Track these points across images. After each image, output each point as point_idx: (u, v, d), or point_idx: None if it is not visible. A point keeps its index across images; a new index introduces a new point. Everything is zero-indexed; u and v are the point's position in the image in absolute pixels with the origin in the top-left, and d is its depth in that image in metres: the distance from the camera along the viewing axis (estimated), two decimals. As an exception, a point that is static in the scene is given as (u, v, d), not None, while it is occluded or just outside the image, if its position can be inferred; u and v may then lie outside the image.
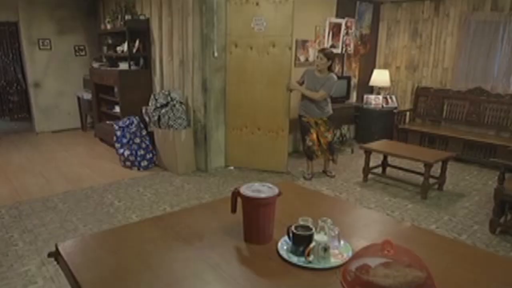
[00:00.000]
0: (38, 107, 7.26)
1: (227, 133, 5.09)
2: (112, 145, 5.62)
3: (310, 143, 4.71)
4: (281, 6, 4.63)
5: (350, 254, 1.35)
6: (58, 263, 1.57)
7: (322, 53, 4.46)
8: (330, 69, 4.53)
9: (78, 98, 7.42)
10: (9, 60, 9.20)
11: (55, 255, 1.55)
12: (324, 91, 4.50)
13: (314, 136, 4.70)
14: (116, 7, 6.28)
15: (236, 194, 1.47)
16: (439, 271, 1.21)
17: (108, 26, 6.25)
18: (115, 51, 6.18)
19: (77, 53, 7.43)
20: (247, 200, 1.42)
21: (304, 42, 5.67)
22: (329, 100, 4.70)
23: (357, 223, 1.75)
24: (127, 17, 5.63)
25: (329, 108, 4.73)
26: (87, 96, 6.94)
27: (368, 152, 4.69)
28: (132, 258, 1.42)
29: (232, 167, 5.18)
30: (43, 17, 6.96)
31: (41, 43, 7.00)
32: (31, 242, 3.18)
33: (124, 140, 5.07)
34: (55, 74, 7.25)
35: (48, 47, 7.09)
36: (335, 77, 4.53)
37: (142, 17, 5.67)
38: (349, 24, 6.27)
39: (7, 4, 6.64)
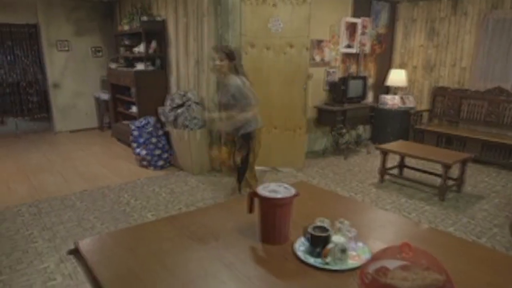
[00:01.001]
0: (57, 107, 7.40)
1: (242, 133, 5.10)
2: (129, 145, 5.69)
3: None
4: (298, 8, 4.64)
5: (368, 256, 1.34)
6: (77, 260, 1.60)
7: (220, 51, 3.56)
8: (236, 70, 3.57)
9: (96, 99, 7.54)
10: (29, 62, 9.39)
11: (74, 252, 1.58)
12: (239, 108, 3.48)
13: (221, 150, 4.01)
14: (132, 8, 6.36)
15: (252, 194, 1.47)
16: (458, 274, 1.19)
17: (125, 27, 6.33)
18: (132, 52, 6.25)
19: (95, 54, 7.56)
20: (264, 200, 1.42)
21: (319, 42, 5.64)
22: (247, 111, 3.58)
23: (374, 225, 1.73)
24: (143, 18, 5.69)
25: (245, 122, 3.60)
26: (104, 96, 7.05)
27: (384, 153, 4.64)
28: (148, 257, 1.43)
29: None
30: (61, 19, 7.10)
31: (59, 45, 7.14)
32: (50, 239, 3.25)
33: (141, 140, 5.12)
34: (73, 75, 7.38)
35: (67, 48, 7.23)
36: (233, 82, 3.47)
37: (158, 18, 5.72)
38: (365, 23, 6.21)
39: (27, 7, 6.79)
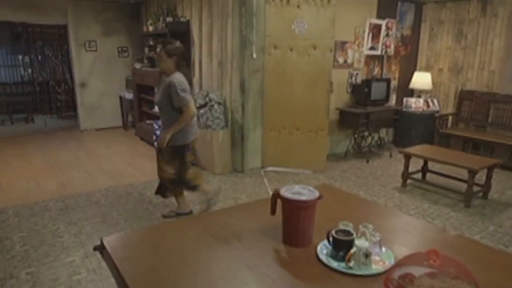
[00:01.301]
0: (83, 105, 7.60)
1: (264, 134, 5.12)
2: (152, 144, 5.79)
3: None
4: (322, 9, 4.63)
5: (392, 261, 1.32)
6: (102, 256, 1.63)
7: (161, 47, 3.31)
8: (177, 68, 3.31)
9: (120, 98, 7.70)
10: (58, 61, 9.70)
11: (100, 248, 1.61)
12: (184, 108, 3.22)
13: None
14: (158, 9, 6.47)
15: (276, 196, 1.47)
16: (487, 284, 1.16)
17: (150, 28, 6.43)
18: (156, 52, 6.34)
19: (120, 54, 7.72)
20: (287, 202, 1.43)
21: (343, 43, 5.59)
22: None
23: (398, 230, 1.70)
24: (169, 19, 5.78)
25: (179, 131, 3.29)
26: (129, 96, 7.19)
27: (407, 157, 4.56)
28: (172, 255, 1.45)
29: (268, 168, 5.20)
30: (90, 19, 7.28)
31: (87, 45, 7.33)
32: (76, 234, 3.33)
33: (163, 139, 5.19)
34: (99, 74, 7.56)
35: (94, 48, 7.41)
36: (175, 80, 3.18)
37: (182, 19, 5.80)
38: (389, 25, 6.13)
39: (58, 8, 6.99)
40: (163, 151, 3.40)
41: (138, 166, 5.35)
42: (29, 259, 2.92)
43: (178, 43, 3.37)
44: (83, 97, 7.55)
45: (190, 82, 3.42)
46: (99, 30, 7.41)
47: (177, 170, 3.43)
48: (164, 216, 3.72)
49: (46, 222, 3.57)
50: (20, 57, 9.64)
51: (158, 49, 3.36)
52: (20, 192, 4.31)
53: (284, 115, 5.03)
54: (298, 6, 4.67)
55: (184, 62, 3.42)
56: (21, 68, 9.71)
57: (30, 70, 9.73)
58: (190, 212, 3.76)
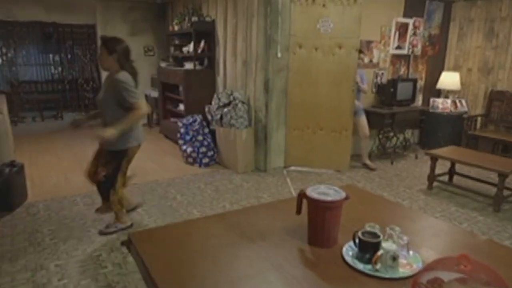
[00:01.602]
0: (110, 103, 7.76)
1: (288, 133, 5.10)
2: (176, 142, 5.86)
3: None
4: (348, 8, 4.59)
5: (420, 265, 1.30)
6: (130, 251, 1.67)
7: (102, 44, 3.10)
8: (121, 66, 3.07)
9: (146, 96, 7.82)
10: (87, 60, 9.96)
11: (128, 243, 1.65)
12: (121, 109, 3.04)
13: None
14: (183, 9, 6.55)
15: (302, 195, 1.47)
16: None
17: (176, 28, 6.52)
18: (181, 52, 6.43)
19: (146, 53, 7.86)
20: (313, 202, 1.42)
21: (369, 42, 5.51)
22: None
23: (426, 233, 1.67)
24: (194, 18, 5.84)
25: (129, 131, 3.09)
26: (154, 94, 7.30)
27: (434, 159, 4.46)
28: (198, 252, 1.47)
29: (291, 168, 5.19)
30: (117, 19, 7.44)
31: (114, 44, 7.48)
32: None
33: (187, 137, 5.26)
34: (126, 73, 7.71)
35: (121, 47, 7.55)
36: (122, 77, 2.99)
37: (208, 19, 5.85)
38: (417, 24, 6.00)
39: (87, 8, 7.19)
40: (104, 153, 3.19)
41: (162, 163, 5.43)
42: (58, 251, 3.01)
43: (120, 40, 3.14)
44: (110, 95, 7.71)
45: (136, 81, 3.16)
46: (126, 30, 7.56)
47: (108, 173, 3.18)
48: (101, 232, 3.35)
49: (74, 216, 3.68)
50: (51, 56, 9.94)
51: (100, 49, 3.10)
52: (50, 187, 4.45)
53: (308, 115, 5.01)
54: (323, 5, 4.64)
55: (129, 60, 3.15)
56: (52, 67, 10.01)
57: (60, 69, 10.03)
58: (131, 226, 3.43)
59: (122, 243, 1.69)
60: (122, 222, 3.38)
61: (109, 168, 3.16)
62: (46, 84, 10.02)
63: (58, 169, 5.11)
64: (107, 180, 3.18)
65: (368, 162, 5.30)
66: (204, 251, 1.48)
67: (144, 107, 3.05)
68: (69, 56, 9.99)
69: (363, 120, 5.23)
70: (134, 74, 3.14)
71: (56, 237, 3.25)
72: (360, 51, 4.99)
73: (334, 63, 4.79)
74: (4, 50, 9.28)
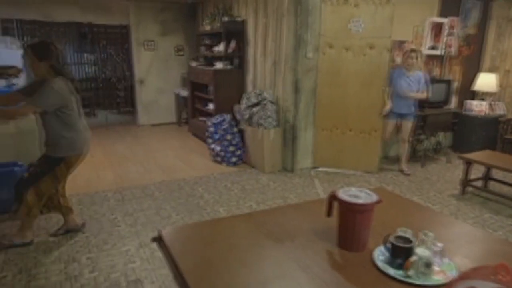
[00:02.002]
0: (141, 102, 7.95)
1: (316, 133, 5.07)
2: (204, 140, 5.93)
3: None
4: (381, 8, 4.51)
5: (454, 273, 1.26)
6: (159, 247, 1.70)
7: (28, 51, 2.89)
8: (56, 72, 2.84)
9: (175, 95, 7.96)
10: (120, 59, 10.23)
11: (157, 240, 1.68)
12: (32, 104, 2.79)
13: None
14: (214, 9, 6.61)
15: (332, 197, 1.45)
16: None
17: (206, 28, 6.59)
18: (211, 51, 6.50)
19: (177, 53, 7.99)
20: (344, 204, 1.40)
21: (401, 43, 5.39)
22: (66, 128, 2.91)
23: (461, 240, 1.62)
24: (224, 18, 5.88)
25: (59, 142, 2.92)
26: (184, 93, 7.42)
27: (468, 163, 4.31)
28: (226, 251, 1.48)
29: (319, 168, 5.15)
30: (149, 20, 7.60)
31: (146, 44, 7.66)
32: (132, 224, 3.49)
33: (216, 136, 5.31)
34: (157, 72, 7.88)
35: (152, 47, 7.73)
36: (52, 83, 2.77)
37: (238, 19, 5.88)
38: (452, 23, 5.82)
39: (120, 9, 7.37)
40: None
41: (189, 161, 5.51)
42: (89, 245, 3.11)
43: (50, 44, 2.91)
44: (141, 93, 7.90)
45: (74, 87, 2.94)
46: (157, 30, 7.71)
47: (35, 171, 2.96)
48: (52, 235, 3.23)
49: (105, 211, 3.78)
50: (85, 55, 10.26)
51: (27, 56, 2.88)
52: (82, 182, 4.59)
53: (337, 115, 4.96)
54: (355, 5, 4.58)
55: (62, 65, 2.94)
56: (86, 66, 10.34)
57: (94, 68, 10.35)
58: (30, 243, 3.10)
59: (153, 239, 1.72)
60: (21, 236, 3.04)
61: (38, 167, 2.97)
62: (80, 83, 10.33)
63: (90, 165, 5.26)
64: (29, 178, 2.95)
65: (404, 167, 5.16)
66: (232, 250, 1.48)
67: (25, 112, 2.85)
68: (102, 56, 10.29)
69: (407, 124, 4.99)
70: (72, 80, 2.95)
71: (88, 230, 3.35)
72: (413, 50, 4.78)
73: (364, 64, 4.73)
74: (42, 50, 9.63)
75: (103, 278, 2.65)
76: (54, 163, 2.94)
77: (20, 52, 4.71)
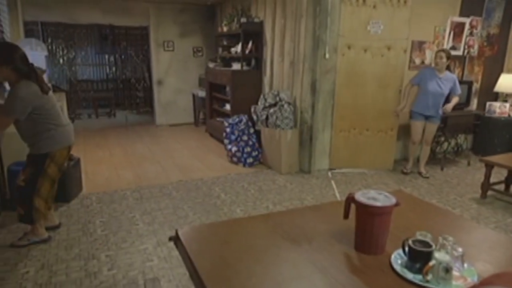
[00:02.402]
0: (160, 102, 8.05)
1: (334, 135, 5.04)
2: (221, 141, 5.96)
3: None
4: (398, 10, 4.51)
5: (475, 279, 1.23)
6: (177, 247, 1.72)
7: None
8: (22, 75, 2.73)
9: (193, 96, 8.03)
10: (139, 60, 10.38)
11: (175, 239, 1.70)
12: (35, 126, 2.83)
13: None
14: (232, 10, 6.64)
15: (350, 199, 1.44)
16: None
17: (224, 29, 6.62)
18: (229, 52, 6.53)
19: (195, 54, 8.06)
20: (362, 207, 1.39)
21: (421, 43, 5.31)
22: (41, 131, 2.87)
23: (482, 245, 1.58)
24: (243, 19, 5.90)
25: (39, 140, 2.88)
26: (201, 94, 7.47)
27: (489, 166, 4.21)
28: (243, 251, 1.48)
29: (336, 170, 5.11)
30: (169, 21, 7.70)
31: (165, 45, 7.76)
32: (150, 223, 3.54)
33: (233, 137, 5.33)
34: (175, 73, 7.97)
35: (171, 48, 7.82)
36: (18, 89, 2.68)
37: (256, 20, 5.89)
38: (474, 23, 5.69)
39: (141, 11, 7.48)
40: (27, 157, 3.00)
41: (207, 161, 5.55)
42: (108, 242, 3.16)
43: (12, 46, 2.84)
44: (160, 94, 8.00)
45: (43, 88, 2.80)
46: (176, 31, 7.80)
47: (28, 177, 2.94)
48: (12, 245, 3.06)
49: (124, 209, 3.84)
50: (106, 56, 10.46)
51: None
52: (102, 180, 4.68)
53: (355, 116, 4.96)
54: (374, 6, 4.56)
55: (28, 68, 2.76)
56: (107, 67, 10.54)
57: (114, 69, 10.53)
58: (49, 238, 3.17)
59: (170, 239, 1.74)
60: (37, 234, 3.10)
61: (28, 172, 2.95)
62: (101, 83, 10.57)
63: (109, 164, 5.37)
64: (27, 185, 2.94)
65: (423, 170, 5.08)
66: (249, 251, 1.49)
67: (5, 124, 2.77)
68: (122, 57, 10.46)
69: (432, 127, 4.89)
70: (40, 84, 2.80)
71: (107, 228, 3.41)
72: (442, 50, 4.64)
73: (382, 65, 4.75)
74: (65, 51, 9.88)
75: (121, 276, 2.70)
76: (41, 161, 2.92)
77: (44, 53, 4.83)
